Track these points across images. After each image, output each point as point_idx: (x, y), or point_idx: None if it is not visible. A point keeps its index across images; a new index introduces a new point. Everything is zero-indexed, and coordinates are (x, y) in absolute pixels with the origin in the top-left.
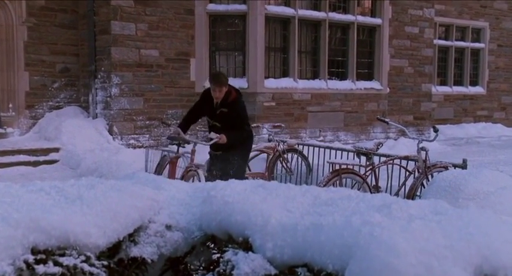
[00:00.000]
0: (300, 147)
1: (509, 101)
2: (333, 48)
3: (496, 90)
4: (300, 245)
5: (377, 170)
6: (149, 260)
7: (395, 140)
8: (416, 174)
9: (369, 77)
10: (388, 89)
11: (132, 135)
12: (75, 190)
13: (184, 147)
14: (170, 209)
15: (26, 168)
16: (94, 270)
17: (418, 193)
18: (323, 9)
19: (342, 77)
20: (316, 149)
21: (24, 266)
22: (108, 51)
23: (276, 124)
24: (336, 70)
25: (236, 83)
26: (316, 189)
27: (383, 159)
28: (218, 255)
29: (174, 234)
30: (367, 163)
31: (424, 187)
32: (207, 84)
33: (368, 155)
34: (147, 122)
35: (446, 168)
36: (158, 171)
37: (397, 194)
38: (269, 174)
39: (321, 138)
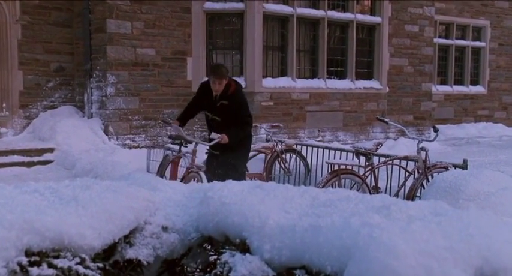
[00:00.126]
0: (299, 147)
1: (510, 101)
2: (331, 47)
3: (497, 89)
4: (298, 246)
5: (376, 170)
6: (145, 262)
7: (395, 140)
8: (416, 174)
9: (368, 76)
10: (387, 88)
11: (128, 136)
12: (70, 191)
13: (186, 146)
14: (166, 210)
15: (20, 168)
16: (89, 272)
17: (418, 194)
18: (322, 7)
19: (341, 76)
20: (315, 149)
21: (17, 268)
22: (103, 50)
23: (274, 124)
24: (334, 69)
25: None
26: (315, 190)
27: (382, 159)
28: (215, 257)
29: (171, 235)
30: (367, 163)
31: (424, 188)
32: None
33: (367, 155)
34: (143, 122)
35: (446, 168)
36: (161, 171)
37: (396, 195)
38: (267, 175)
39: (320, 138)
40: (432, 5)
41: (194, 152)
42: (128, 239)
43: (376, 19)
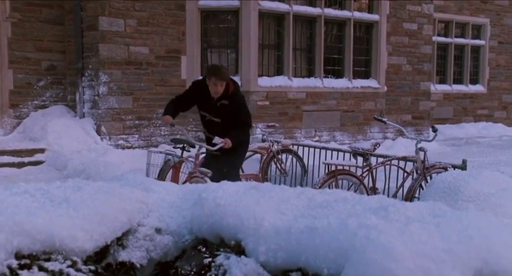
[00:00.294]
0: (295, 147)
1: (510, 100)
2: (328, 46)
3: (497, 88)
4: (294, 248)
5: (374, 171)
6: (138, 265)
7: (393, 140)
8: (415, 175)
9: (366, 75)
10: (385, 87)
11: (121, 136)
12: (61, 192)
13: (189, 151)
14: (160, 211)
15: (10, 169)
16: (81, 275)
17: (416, 195)
18: (318, 5)
19: (338, 75)
20: (312, 149)
21: (7, 271)
22: (95, 48)
23: (270, 124)
24: (331, 68)
25: None
26: (311, 191)
27: (380, 160)
28: (210, 259)
29: (164, 237)
30: (364, 164)
31: (423, 189)
32: None
33: (365, 155)
34: (137, 122)
35: (445, 169)
36: (161, 176)
37: (394, 196)
38: (263, 176)
39: (317, 138)
40: (431, 2)
41: (197, 156)
42: (120, 241)
43: (374, 17)
